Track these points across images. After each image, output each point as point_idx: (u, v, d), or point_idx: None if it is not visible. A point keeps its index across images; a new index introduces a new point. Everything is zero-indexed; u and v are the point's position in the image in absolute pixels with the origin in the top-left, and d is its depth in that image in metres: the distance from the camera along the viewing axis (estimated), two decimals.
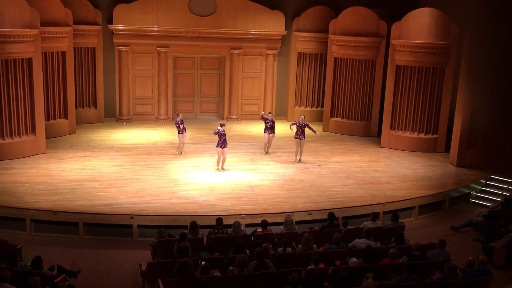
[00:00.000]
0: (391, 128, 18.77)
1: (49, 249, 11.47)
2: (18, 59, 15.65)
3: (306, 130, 16.44)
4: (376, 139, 19.74)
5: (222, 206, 13.02)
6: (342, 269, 9.14)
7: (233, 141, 18.23)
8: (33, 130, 16.36)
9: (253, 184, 14.60)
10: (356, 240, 10.63)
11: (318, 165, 16.52)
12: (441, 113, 18.29)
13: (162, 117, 21.20)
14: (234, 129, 20.38)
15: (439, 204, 14.73)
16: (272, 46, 21.60)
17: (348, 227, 11.50)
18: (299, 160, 16.66)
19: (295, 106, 22.41)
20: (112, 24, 19.95)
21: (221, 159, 15.49)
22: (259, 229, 11.31)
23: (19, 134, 16.06)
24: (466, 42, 16.45)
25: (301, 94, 22.40)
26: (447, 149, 17.92)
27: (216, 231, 10.93)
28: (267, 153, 17.26)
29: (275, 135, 17.43)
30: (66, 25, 18.15)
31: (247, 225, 12.21)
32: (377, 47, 19.82)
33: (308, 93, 22.41)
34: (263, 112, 17.38)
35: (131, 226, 12.28)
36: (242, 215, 12.49)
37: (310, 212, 12.97)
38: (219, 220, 11.06)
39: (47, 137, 16.87)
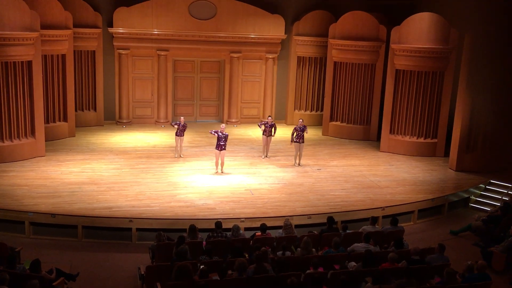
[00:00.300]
0: (390, 132, 18.78)
1: (48, 252, 11.45)
2: (18, 62, 15.66)
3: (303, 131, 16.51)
4: (375, 143, 19.74)
5: (221, 210, 13.01)
6: (341, 273, 9.13)
7: (233, 144, 18.24)
8: (33, 133, 16.35)
9: (252, 188, 14.59)
10: (355, 244, 10.62)
11: (317, 169, 16.53)
12: (441, 118, 18.30)
13: (162, 121, 21.20)
14: (234, 132, 20.38)
15: (438, 209, 14.72)
16: (272, 50, 21.63)
17: (347, 231, 11.49)
18: (298, 164, 16.66)
19: (294, 110, 22.42)
20: (112, 27, 19.98)
21: (219, 161, 15.48)
22: (258, 233, 11.30)
23: (18, 137, 16.05)
24: (466, 46, 16.47)
25: (300, 98, 22.42)
26: (446, 153, 17.93)
27: (215, 234, 10.92)
28: (266, 156, 17.25)
29: (274, 136, 17.38)
30: (66, 28, 18.17)
31: (246, 229, 12.19)
32: (377, 52, 19.85)
33: (308, 97, 22.43)
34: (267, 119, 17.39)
35: (130, 229, 12.27)
36: (241, 219, 12.49)
37: (309, 216, 12.96)
38: (218, 223, 11.05)
39: (46, 140, 16.87)
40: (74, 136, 18.87)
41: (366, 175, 16.12)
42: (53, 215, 12.21)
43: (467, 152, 16.92)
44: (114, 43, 20.27)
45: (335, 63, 20.51)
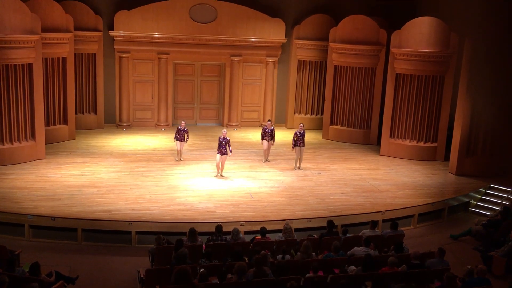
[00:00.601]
0: (390, 136, 18.78)
1: (47, 255, 11.44)
2: (19, 64, 15.68)
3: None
4: (375, 147, 19.75)
5: (221, 213, 13.00)
6: (341, 277, 9.11)
7: (233, 148, 18.15)
8: (33, 136, 16.36)
9: (252, 191, 14.59)
10: (355, 248, 10.61)
11: (317, 173, 16.52)
12: (441, 122, 18.31)
13: (162, 124, 21.21)
14: (234, 136, 20.36)
15: (438, 213, 14.71)
16: (272, 53, 21.66)
17: (347, 235, 11.48)
18: (298, 168, 16.66)
19: (294, 113, 22.44)
20: (113, 30, 20.01)
21: (220, 165, 15.47)
22: (258, 237, 11.29)
23: (18, 140, 16.06)
24: (466, 50, 16.49)
25: (301, 102, 22.44)
26: (446, 157, 17.93)
27: (214, 238, 10.91)
28: (267, 160, 17.25)
29: (274, 143, 17.37)
30: (67, 31, 18.20)
31: (246, 232, 12.19)
32: (377, 55, 19.87)
33: (308, 101, 22.44)
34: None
35: (129, 232, 12.26)
36: (241, 222, 12.48)
37: (309, 219, 12.95)
38: (218, 227, 11.03)
39: (46, 143, 16.87)
40: (74, 139, 18.87)
41: (366, 179, 16.12)
42: (52, 218, 12.20)
43: (467, 156, 16.92)
44: (115, 46, 20.30)
45: (335, 67, 20.54)
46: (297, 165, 16.70)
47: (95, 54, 20.14)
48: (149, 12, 20.14)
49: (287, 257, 10.13)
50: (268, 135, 16.92)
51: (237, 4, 20.92)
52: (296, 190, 14.84)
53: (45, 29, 16.72)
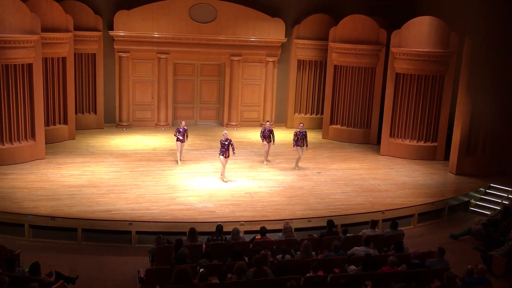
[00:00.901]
0: (390, 135, 18.78)
1: (47, 255, 11.44)
2: (19, 64, 15.68)
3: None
4: (375, 146, 19.75)
5: (221, 213, 13.00)
6: (341, 277, 9.12)
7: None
8: (33, 136, 16.36)
9: (252, 191, 14.59)
10: (355, 248, 10.62)
11: (317, 172, 16.52)
12: (441, 121, 18.31)
13: (162, 123, 21.21)
14: (234, 135, 20.34)
15: (438, 212, 14.72)
16: (272, 53, 21.66)
17: (347, 234, 11.49)
18: (297, 166, 16.62)
19: (294, 113, 22.44)
20: (112, 30, 20.01)
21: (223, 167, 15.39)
22: (258, 236, 11.29)
23: (18, 140, 16.06)
24: (466, 50, 16.49)
25: (300, 101, 22.44)
26: (446, 157, 17.93)
27: (214, 238, 10.91)
28: (267, 161, 17.18)
29: (274, 143, 17.25)
30: (67, 31, 18.19)
31: (246, 232, 12.19)
32: (377, 55, 19.87)
33: (308, 100, 22.45)
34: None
35: (129, 232, 12.26)
36: (241, 222, 12.48)
37: (309, 219, 12.95)
38: (219, 227, 11.03)
39: (46, 143, 16.87)
40: (74, 139, 18.87)
41: (366, 179, 16.12)
42: (52, 217, 12.21)
43: (467, 156, 16.92)
44: (115, 46, 20.30)
45: (335, 66, 20.53)
46: (297, 164, 16.67)
47: (95, 54, 20.14)
48: (149, 12, 20.14)
49: (287, 256, 10.13)
50: (267, 136, 16.83)
51: (237, 3, 20.91)
52: (296, 190, 14.85)
53: (44, 29, 16.71)
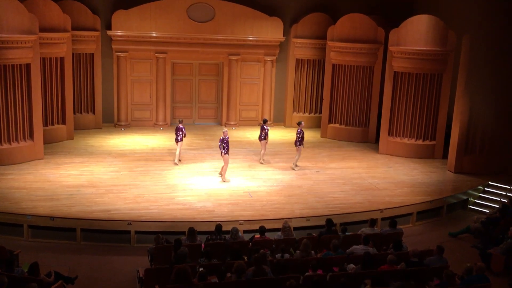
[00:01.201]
0: (389, 134, 18.79)
1: (46, 255, 11.43)
2: (17, 64, 15.66)
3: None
4: (374, 145, 19.76)
5: (220, 212, 13.01)
6: (340, 276, 9.13)
7: (231, 147, 18.08)
8: (31, 136, 16.34)
9: (251, 190, 14.59)
10: (354, 247, 10.63)
11: (316, 171, 16.53)
12: (439, 120, 18.33)
13: (160, 123, 21.19)
14: (233, 135, 20.32)
15: (437, 211, 14.74)
16: (270, 52, 21.66)
17: (346, 233, 11.49)
18: (295, 165, 16.59)
19: (293, 112, 22.44)
20: (110, 30, 19.99)
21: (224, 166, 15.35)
22: (257, 235, 11.29)
23: (17, 140, 16.04)
24: (464, 48, 16.49)
25: (299, 100, 22.44)
26: (445, 155, 17.94)
27: (214, 237, 10.91)
28: (263, 159, 17.18)
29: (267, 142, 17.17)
30: (65, 31, 18.17)
31: (245, 231, 12.19)
32: (375, 54, 19.88)
33: (306, 99, 22.45)
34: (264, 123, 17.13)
35: (128, 232, 12.26)
36: (240, 221, 12.48)
37: (308, 218, 12.96)
38: (218, 227, 11.04)
39: (45, 143, 16.85)
40: (72, 139, 18.85)
41: (365, 177, 16.13)
42: (51, 218, 12.20)
43: (466, 154, 16.94)
44: (113, 46, 20.28)
45: (333, 65, 20.54)
46: (295, 164, 16.64)
47: (93, 54, 20.11)
48: (147, 11, 20.12)
49: (286, 255, 10.13)
50: (264, 136, 16.81)
51: (235, 3, 20.90)
52: (295, 189, 14.85)
53: (42, 29, 16.69)
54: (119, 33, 20.01)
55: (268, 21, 21.24)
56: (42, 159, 16.37)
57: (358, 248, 10.49)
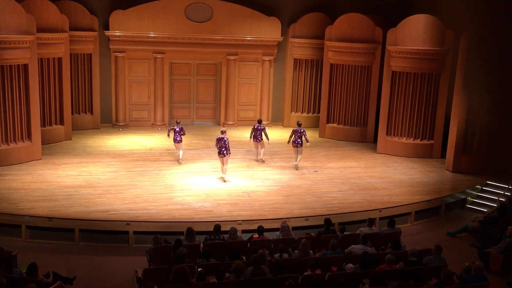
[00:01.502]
0: (387, 134, 18.80)
1: (45, 256, 11.43)
2: (14, 65, 15.63)
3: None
4: (372, 145, 19.77)
5: (218, 212, 13.00)
6: (339, 275, 9.13)
7: (230, 147, 18.17)
8: (29, 136, 16.32)
9: (249, 190, 14.59)
10: (353, 246, 10.64)
11: (314, 171, 16.53)
12: (437, 119, 18.34)
13: (159, 123, 21.18)
14: (231, 135, 20.31)
15: (435, 210, 14.75)
16: (268, 52, 21.66)
17: (345, 233, 11.50)
18: (296, 162, 16.62)
19: (291, 112, 22.45)
20: (108, 30, 19.97)
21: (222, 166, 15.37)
22: (256, 235, 11.30)
23: (14, 140, 16.02)
24: (462, 48, 16.51)
25: (297, 100, 22.45)
26: (443, 155, 17.96)
27: (212, 237, 10.91)
28: (261, 159, 17.20)
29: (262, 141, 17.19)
30: (62, 31, 18.15)
31: (244, 231, 12.20)
32: (373, 53, 19.90)
33: (304, 99, 22.46)
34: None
35: (127, 232, 12.25)
36: (239, 221, 12.48)
37: (306, 218, 12.96)
38: (217, 227, 11.04)
39: (43, 143, 16.83)
40: (70, 139, 18.83)
41: (363, 177, 16.14)
42: (49, 218, 12.18)
43: (464, 154, 16.96)
44: (111, 46, 20.26)
45: (331, 65, 20.55)
46: (297, 163, 16.66)
47: (90, 54, 20.10)
48: (145, 11, 20.10)
49: (285, 255, 10.14)
50: (259, 135, 16.85)
51: (232, 3, 20.90)
52: (293, 189, 14.86)
53: (40, 29, 16.66)
54: (117, 33, 19.99)
55: (266, 21, 21.24)
56: (40, 159, 16.35)
57: (357, 248, 10.50)
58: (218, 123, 22.05)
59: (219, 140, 15.12)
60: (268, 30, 21.32)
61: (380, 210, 13.63)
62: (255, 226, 11.70)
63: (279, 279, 8.91)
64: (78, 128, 19.94)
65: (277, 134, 20.71)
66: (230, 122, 21.88)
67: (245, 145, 19.07)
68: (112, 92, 20.72)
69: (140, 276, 9.82)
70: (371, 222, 11.95)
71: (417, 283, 9.29)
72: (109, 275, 10.97)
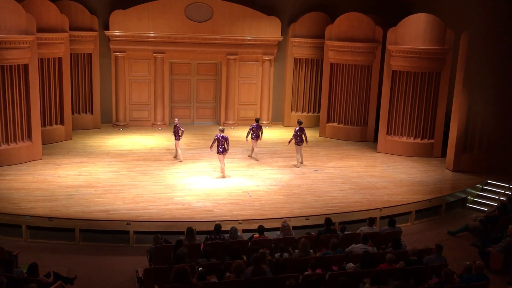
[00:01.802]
0: (387, 133, 18.80)
1: (45, 256, 11.43)
2: (14, 65, 15.64)
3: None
4: (372, 144, 19.76)
5: (219, 212, 13.00)
6: (339, 275, 9.13)
7: (230, 146, 18.18)
8: (29, 136, 16.33)
9: (250, 190, 14.59)
10: (353, 245, 10.63)
11: (315, 170, 16.53)
12: (437, 118, 18.34)
13: (159, 123, 21.18)
14: (231, 134, 20.31)
15: (435, 209, 14.74)
16: (268, 51, 21.65)
17: (345, 232, 11.50)
18: (301, 162, 16.65)
19: (291, 111, 22.44)
20: (108, 30, 19.97)
21: (221, 165, 15.42)
22: (256, 235, 11.30)
23: (15, 140, 16.03)
24: (462, 47, 16.50)
25: (297, 100, 22.44)
26: (443, 154, 17.96)
27: (213, 237, 10.91)
28: (250, 156, 17.31)
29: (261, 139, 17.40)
30: (63, 31, 18.15)
31: (244, 231, 12.19)
32: (373, 53, 19.89)
33: (305, 99, 22.45)
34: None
35: (127, 232, 12.25)
36: (239, 221, 12.48)
37: (307, 217, 12.96)
38: (217, 226, 11.03)
39: (43, 143, 16.83)
40: (71, 139, 18.83)
41: (363, 176, 16.14)
42: (50, 218, 12.18)
43: (464, 153, 16.95)
44: (111, 46, 20.26)
45: (331, 64, 20.54)
46: (299, 162, 16.69)
47: (91, 54, 20.10)
48: (145, 11, 20.10)
49: (285, 255, 10.14)
50: (256, 132, 16.98)
51: (232, 2, 20.90)
52: (294, 188, 14.85)
53: (40, 29, 16.67)
54: (117, 33, 19.99)
55: (266, 21, 21.24)
56: (41, 159, 16.35)
57: (357, 247, 10.50)
58: (218, 123, 22.03)
59: (221, 138, 15.15)
60: (268, 29, 21.31)
61: (380, 209, 13.63)
62: (255, 226, 11.70)
63: (280, 278, 8.92)
64: (79, 128, 19.94)
65: (278, 134, 20.72)
66: (230, 122, 21.87)
67: (245, 145, 19.07)
68: (112, 92, 20.72)
69: (140, 276, 9.82)
70: (371, 221, 11.95)
71: (417, 282, 9.29)
72: (110, 275, 10.98)
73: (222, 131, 15.43)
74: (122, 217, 12.46)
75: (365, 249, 10.15)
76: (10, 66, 15.56)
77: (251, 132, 16.91)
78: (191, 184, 14.82)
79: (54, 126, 18.46)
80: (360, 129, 20.49)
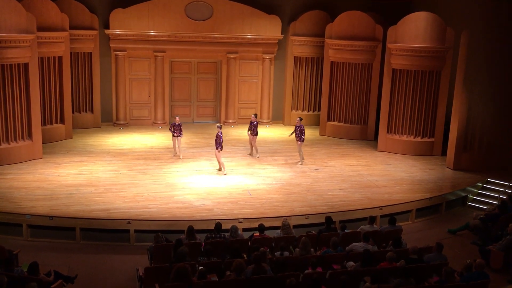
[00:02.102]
0: (387, 131, 18.80)
1: (46, 255, 11.43)
2: (15, 64, 15.63)
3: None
4: (372, 142, 19.76)
5: (219, 211, 13.01)
6: (340, 273, 9.13)
7: (230, 145, 18.24)
8: (30, 135, 16.33)
9: (250, 188, 14.59)
10: (354, 244, 10.63)
11: (315, 169, 16.53)
12: (438, 117, 18.33)
13: (159, 122, 21.18)
14: (231, 133, 20.38)
15: (436, 208, 14.74)
16: (268, 50, 21.64)
17: (346, 230, 11.50)
18: (302, 159, 16.69)
19: (291, 110, 22.43)
20: (108, 29, 19.97)
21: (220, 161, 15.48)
22: (257, 233, 11.30)
23: (15, 139, 16.03)
24: (462, 45, 16.49)
25: (297, 98, 22.44)
26: (443, 152, 17.96)
27: (213, 235, 10.91)
28: (250, 154, 17.33)
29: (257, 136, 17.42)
30: (63, 30, 18.14)
31: (244, 230, 12.19)
32: (373, 51, 19.87)
33: (305, 97, 22.45)
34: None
35: (128, 231, 12.26)
36: (239, 220, 12.48)
37: (307, 216, 12.97)
38: (218, 225, 11.03)
39: (43, 142, 16.83)
40: (71, 138, 18.83)
41: (364, 175, 16.14)
42: (50, 217, 12.19)
43: (464, 151, 16.95)
44: (111, 45, 20.25)
45: (331, 63, 20.53)
46: (301, 160, 16.73)
47: (91, 53, 20.09)
48: (145, 10, 20.09)
49: (286, 253, 10.14)
50: (253, 129, 16.97)
51: (232, 1, 20.88)
52: (294, 187, 14.86)
53: (40, 28, 16.66)
54: (117, 32, 19.98)
55: (266, 19, 21.22)
56: (41, 158, 16.36)
57: (358, 246, 10.50)
58: (218, 121, 22.03)
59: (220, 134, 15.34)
60: (268, 28, 21.30)
61: (381, 208, 13.63)
62: (256, 224, 11.70)
63: (280, 277, 8.92)
64: (79, 127, 19.94)
65: (278, 132, 20.72)
66: (231, 121, 21.87)
67: (245, 143, 19.07)
68: (112, 91, 20.72)
69: (141, 274, 9.82)
70: (372, 220, 11.95)
71: (418, 280, 9.29)
72: (110, 274, 10.98)
73: (220, 127, 15.51)
74: (123, 216, 12.46)
75: (366, 248, 10.15)
76: (11, 65, 15.55)
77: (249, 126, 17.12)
78: (192, 183, 14.82)
79: (55, 125, 18.46)
80: (361, 128, 20.49)
